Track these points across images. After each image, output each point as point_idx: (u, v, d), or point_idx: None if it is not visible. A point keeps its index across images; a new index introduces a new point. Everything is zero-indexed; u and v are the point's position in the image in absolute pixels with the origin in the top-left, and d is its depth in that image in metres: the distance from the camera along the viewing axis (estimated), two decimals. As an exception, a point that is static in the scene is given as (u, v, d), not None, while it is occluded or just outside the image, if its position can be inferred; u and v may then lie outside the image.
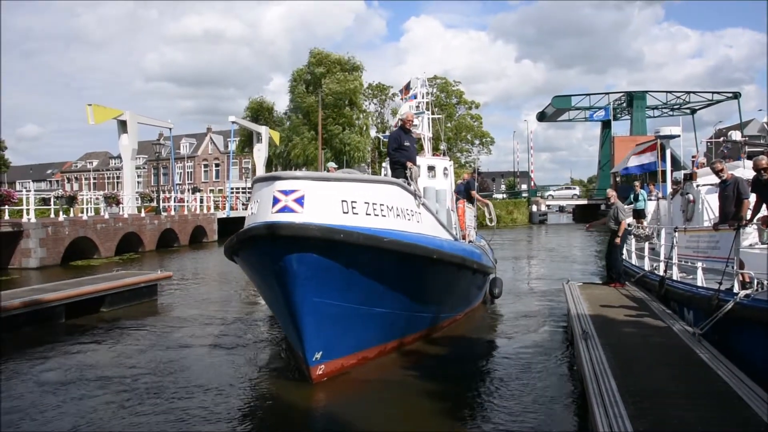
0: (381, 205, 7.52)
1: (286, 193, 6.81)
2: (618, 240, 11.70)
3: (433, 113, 20.11)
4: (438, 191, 10.86)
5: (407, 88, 19.72)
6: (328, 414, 6.86)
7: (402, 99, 19.40)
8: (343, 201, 7.06)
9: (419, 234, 8.10)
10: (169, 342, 10.07)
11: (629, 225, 15.11)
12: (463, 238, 11.93)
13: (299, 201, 6.75)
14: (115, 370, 8.34)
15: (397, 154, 9.80)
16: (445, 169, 15.56)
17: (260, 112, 55.81)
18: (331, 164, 12.54)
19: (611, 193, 12.46)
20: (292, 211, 6.71)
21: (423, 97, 18.88)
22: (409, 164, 9.46)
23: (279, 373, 8.24)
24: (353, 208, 7.14)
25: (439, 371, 8.21)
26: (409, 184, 8.70)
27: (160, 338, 10.39)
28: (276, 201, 6.80)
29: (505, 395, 7.09)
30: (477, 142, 69.89)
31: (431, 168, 16.63)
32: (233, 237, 7.41)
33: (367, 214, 7.28)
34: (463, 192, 14.57)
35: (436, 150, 20.60)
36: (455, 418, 6.51)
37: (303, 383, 7.40)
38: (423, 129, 18.46)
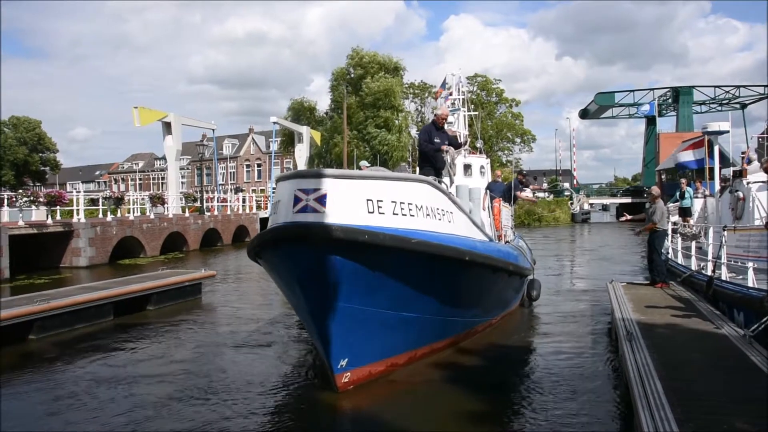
0: (409, 204, 7.15)
1: (307, 192, 6.45)
2: (639, 231, 11.65)
3: (469, 110, 19.92)
4: (472, 189, 10.43)
5: (443, 85, 19.64)
6: (355, 422, 6.71)
7: (437, 96, 19.35)
8: (368, 200, 6.68)
9: (451, 234, 7.75)
10: (210, 340, 10.27)
11: (675, 224, 14.80)
12: (499, 238, 11.56)
13: (321, 200, 6.38)
14: (157, 368, 8.55)
15: (428, 145, 9.58)
16: (482, 167, 15.39)
17: (302, 112, 56.32)
18: (364, 163, 12.34)
19: (655, 191, 12.05)
20: (314, 210, 6.37)
21: (459, 94, 18.72)
22: (444, 147, 9.18)
23: (309, 376, 8.05)
24: (379, 207, 6.77)
25: (474, 377, 7.94)
26: (439, 181, 8.36)
27: (202, 336, 10.62)
28: (297, 200, 6.47)
29: (546, 399, 6.96)
30: (518, 140, 69.22)
31: (467, 166, 16.44)
32: (255, 238, 7.21)
33: (394, 214, 6.92)
34: (502, 191, 13.84)
35: (473, 148, 20.43)
36: (493, 423, 6.41)
37: (331, 389, 7.11)
38: (459, 126, 18.33)
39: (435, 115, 10.26)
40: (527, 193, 16.95)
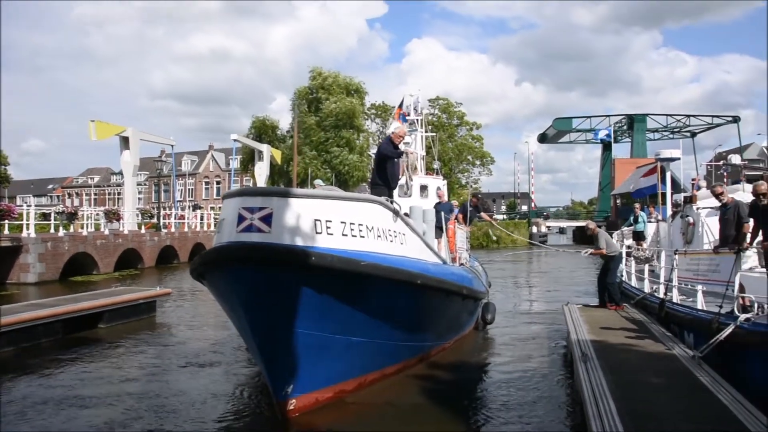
0: (360, 225, 6.90)
1: (252, 210, 6.19)
2: (586, 253, 12.02)
3: (427, 131, 20.06)
4: (425, 211, 10.18)
5: (401, 105, 19.78)
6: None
7: (397, 117, 19.42)
8: (316, 220, 6.42)
9: (403, 257, 7.53)
10: (163, 360, 10.01)
11: (629, 247, 15.16)
12: (454, 260, 11.38)
13: (266, 220, 6.13)
14: (104, 389, 8.27)
15: (381, 168, 9.31)
16: (439, 188, 15.48)
17: (264, 130, 55.98)
18: (318, 182, 12.12)
19: (590, 225, 12.46)
20: (258, 230, 6.11)
21: (416, 114, 18.84)
22: (408, 150, 9.12)
23: (259, 399, 7.72)
24: (328, 228, 6.51)
25: (426, 401, 7.73)
26: (391, 201, 8.19)
27: (154, 356, 10.33)
28: (241, 219, 6.19)
29: (501, 420, 6.95)
30: (478, 162, 70.18)
31: (424, 187, 16.51)
32: (197, 258, 6.85)
33: (343, 235, 6.66)
34: (448, 213, 13.29)
35: (429, 169, 20.57)
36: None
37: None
38: (416, 147, 18.46)
39: (392, 133, 10.01)
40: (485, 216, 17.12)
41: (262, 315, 6.33)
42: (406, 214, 8.46)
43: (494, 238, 46.81)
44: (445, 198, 15.34)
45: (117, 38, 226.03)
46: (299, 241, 6.22)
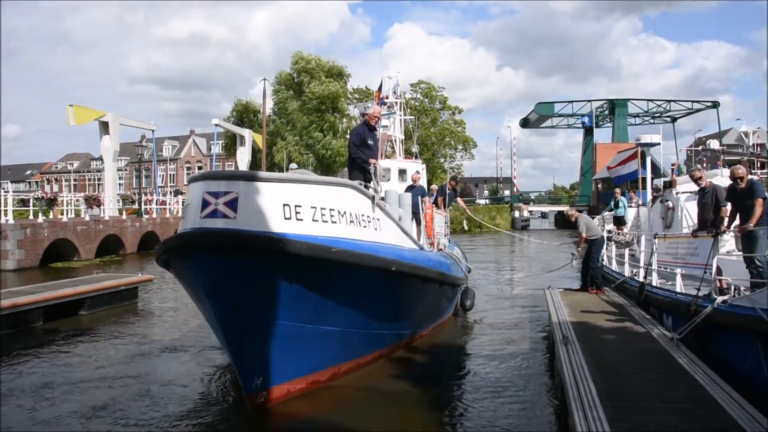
0: (331, 210, 6.63)
1: (216, 195, 5.89)
2: (579, 250, 12.08)
3: (406, 114, 19.95)
4: (401, 195, 9.89)
5: (380, 88, 19.69)
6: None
7: (377, 99, 19.34)
8: (285, 205, 6.15)
9: (376, 243, 7.28)
10: (144, 347, 9.98)
11: (609, 232, 15.32)
12: (431, 246, 11.12)
13: (231, 204, 5.84)
14: (84, 375, 8.27)
15: (359, 152, 8.94)
16: (417, 172, 15.40)
17: (246, 114, 55.59)
18: (293, 165, 11.83)
19: (570, 211, 12.65)
20: (223, 216, 5.82)
21: (395, 97, 18.73)
22: (372, 161, 8.58)
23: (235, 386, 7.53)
24: (297, 213, 6.23)
25: (404, 388, 7.62)
26: (367, 187, 7.92)
27: (135, 342, 10.30)
28: (206, 204, 5.90)
29: (482, 403, 7.03)
30: (460, 147, 70.21)
31: (402, 171, 16.40)
32: (161, 245, 6.53)
33: (314, 221, 6.40)
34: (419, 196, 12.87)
35: (408, 153, 20.52)
36: (428, 427, 6.43)
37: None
38: (395, 130, 18.38)
39: (366, 114, 9.74)
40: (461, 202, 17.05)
41: (228, 305, 6.09)
42: (381, 199, 8.26)
43: (465, 227, 46.88)
44: (421, 182, 14.92)
45: (95, 23, 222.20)
46: (266, 227, 5.95)
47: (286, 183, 6.36)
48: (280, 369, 6.64)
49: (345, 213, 6.86)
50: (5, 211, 22.41)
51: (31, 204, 25.63)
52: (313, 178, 7.18)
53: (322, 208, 6.53)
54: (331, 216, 6.64)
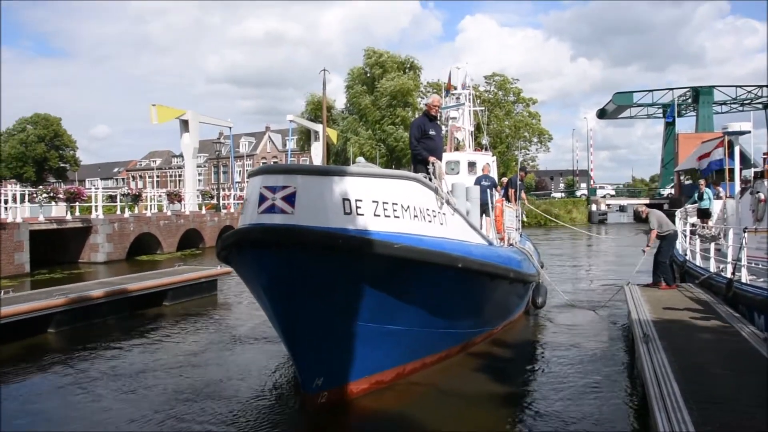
0: (394, 204, 6.35)
1: (274, 189, 5.73)
2: (647, 247, 11.77)
3: (476, 105, 19.58)
4: (469, 188, 9.51)
5: (448, 80, 19.44)
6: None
7: (449, 90, 19.10)
8: (345, 199, 5.91)
9: (442, 238, 6.96)
10: (224, 337, 10.33)
11: (693, 225, 14.63)
12: (501, 240, 10.73)
13: (289, 199, 5.67)
14: (166, 361, 8.73)
15: (420, 145, 8.51)
16: (487, 164, 15.05)
17: (319, 109, 56.44)
18: (360, 159, 11.79)
19: (641, 207, 12.81)
20: (281, 211, 5.66)
21: (463, 88, 18.41)
22: (431, 159, 8.07)
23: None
24: (358, 207, 5.98)
25: (473, 392, 7.31)
26: (430, 179, 7.60)
27: (215, 333, 10.70)
28: (263, 199, 5.75)
29: (559, 400, 6.86)
30: (535, 139, 68.73)
31: (472, 164, 16.09)
32: (219, 241, 6.38)
33: (375, 215, 6.12)
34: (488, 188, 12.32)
35: (478, 145, 20.18)
36: (503, 424, 6.31)
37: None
38: (464, 122, 18.10)
39: (425, 104, 9.27)
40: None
41: (286, 302, 5.94)
42: (448, 192, 7.98)
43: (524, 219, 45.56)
44: (492, 174, 14.62)
45: (175, 26, 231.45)
46: (325, 223, 5.74)
47: (346, 176, 6.07)
48: (341, 369, 6.51)
49: (408, 207, 6.59)
50: (96, 206, 23.72)
51: (118, 200, 26.97)
52: (375, 171, 6.86)
53: (384, 203, 6.28)
54: (394, 210, 6.38)
